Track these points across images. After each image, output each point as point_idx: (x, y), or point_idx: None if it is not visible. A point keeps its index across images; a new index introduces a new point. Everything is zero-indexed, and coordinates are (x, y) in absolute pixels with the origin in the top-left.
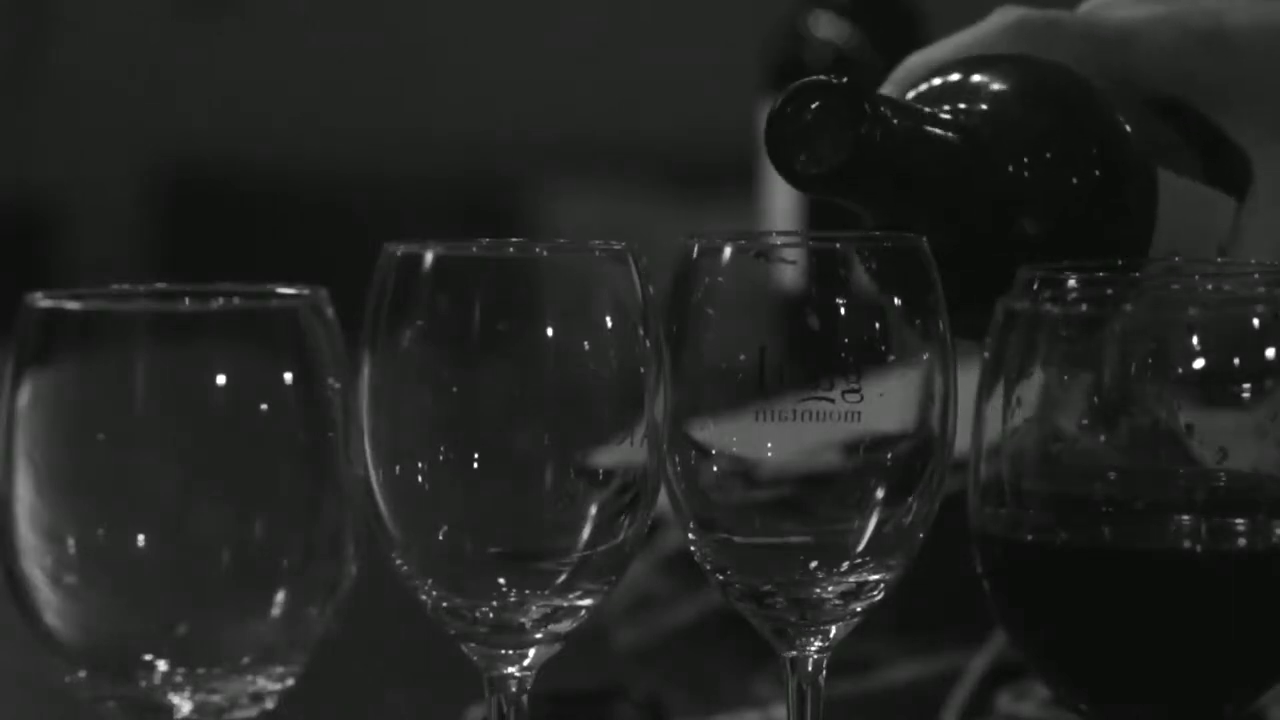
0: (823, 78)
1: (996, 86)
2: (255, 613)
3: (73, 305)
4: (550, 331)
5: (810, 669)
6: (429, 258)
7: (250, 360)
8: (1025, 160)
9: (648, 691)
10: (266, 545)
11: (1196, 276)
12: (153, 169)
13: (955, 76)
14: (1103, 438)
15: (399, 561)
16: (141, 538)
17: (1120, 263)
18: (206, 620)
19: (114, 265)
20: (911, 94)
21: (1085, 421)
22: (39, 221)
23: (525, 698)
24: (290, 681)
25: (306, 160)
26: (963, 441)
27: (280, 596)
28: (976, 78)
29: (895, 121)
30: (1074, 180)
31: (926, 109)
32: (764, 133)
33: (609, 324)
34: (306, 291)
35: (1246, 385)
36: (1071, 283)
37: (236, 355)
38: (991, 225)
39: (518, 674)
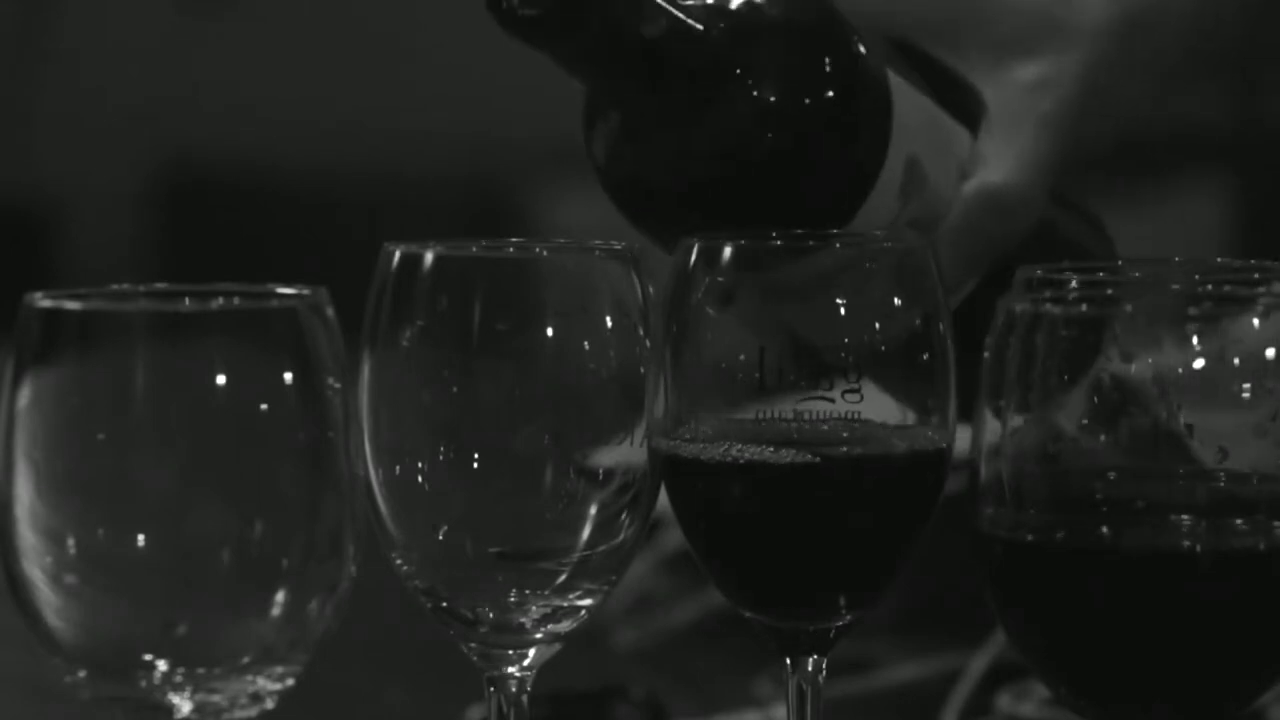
0: None
1: None
2: (255, 613)
3: (73, 305)
4: (550, 331)
5: (810, 669)
6: (429, 258)
7: (250, 360)
8: (739, 36)
9: (648, 691)
10: (266, 545)
11: (1197, 276)
12: (153, 169)
13: None
14: (1103, 438)
15: (399, 561)
16: (141, 538)
17: (1120, 262)
18: (206, 620)
19: (114, 265)
20: None
21: (1085, 421)
22: (39, 221)
23: (525, 698)
24: (290, 681)
25: (307, 160)
26: (963, 441)
27: (280, 596)
28: None
29: None
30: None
31: None
32: None
33: (609, 324)
34: (306, 291)
35: (1246, 385)
36: (1072, 283)
37: (236, 355)
38: (702, 104)
39: (518, 674)
